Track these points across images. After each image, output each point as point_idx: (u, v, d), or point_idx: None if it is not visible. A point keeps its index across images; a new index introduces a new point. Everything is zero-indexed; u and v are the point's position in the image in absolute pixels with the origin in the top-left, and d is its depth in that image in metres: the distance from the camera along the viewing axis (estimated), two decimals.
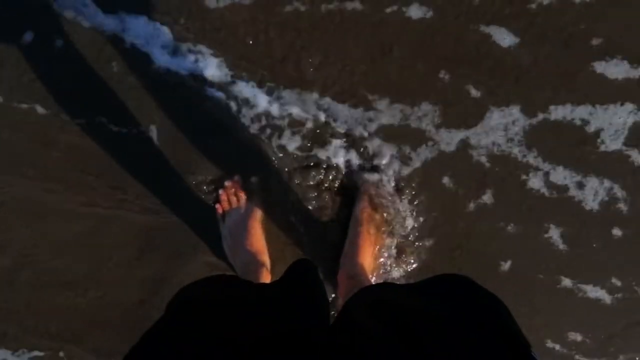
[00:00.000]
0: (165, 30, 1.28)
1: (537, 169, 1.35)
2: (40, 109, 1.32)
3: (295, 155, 1.29)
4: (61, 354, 1.39)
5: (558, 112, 1.32)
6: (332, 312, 1.34)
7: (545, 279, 1.39)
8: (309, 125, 1.30)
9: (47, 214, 1.32)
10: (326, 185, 1.31)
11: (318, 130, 1.31)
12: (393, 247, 1.31)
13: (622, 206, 1.39)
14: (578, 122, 1.33)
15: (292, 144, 1.31)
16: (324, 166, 1.30)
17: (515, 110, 1.31)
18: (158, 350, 0.53)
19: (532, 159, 1.34)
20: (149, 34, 1.27)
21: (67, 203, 1.32)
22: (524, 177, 1.35)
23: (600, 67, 1.31)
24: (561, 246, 1.39)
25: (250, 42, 1.29)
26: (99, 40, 1.30)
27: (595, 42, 1.31)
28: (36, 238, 1.34)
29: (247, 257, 1.20)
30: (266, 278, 1.18)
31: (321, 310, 0.77)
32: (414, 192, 1.33)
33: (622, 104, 1.33)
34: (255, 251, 1.21)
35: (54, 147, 1.32)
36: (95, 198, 1.32)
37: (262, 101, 1.28)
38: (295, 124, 1.31)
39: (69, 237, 1.33)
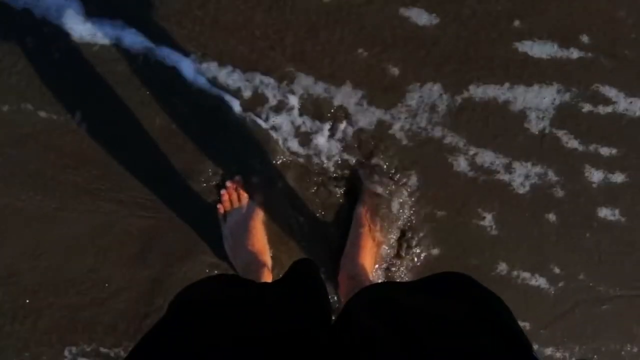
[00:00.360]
0: (76, 1, 1.25)
1: (462, 151, 1.31)
2: None
3: (297, 156, 1.28)
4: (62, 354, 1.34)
5: (480, 92, 1.30)
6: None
7: (480, 265, 1.33)
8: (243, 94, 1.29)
9: (47, 216, 1.29)
10: (328, 186, 1.30)
11: (250, 99, 1.29)
12: (394, 247, 1.30)
13: (556, 190, 1.35)
14: (502, 103, 1.31)
15: (228, 111, 1.28)
16: (326, 167, 1.29)
17: (435, 90, 1.28)
18: (159, 351, 0.53)
19: (456, 140, 1.31)
20: (60, 6, 1.24)
21: (67, 204, 1.29)
22: (450, 159, 1.31)
23: (524, 47, 1.29)
24: (494, 232, 1.33)
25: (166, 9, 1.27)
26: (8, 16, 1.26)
27: (518, 22, 1.30)
28: (37, 240, 1.30)
29: (248, 257, 1.19)
30: (267, 278, 1.17)
31: (322, 310, 0.77)
32: (414, 192, 1.31)
33: (548, 85, 1.30)
34: (257, 251, 1.20)
35: (50, 149, 1.29)
36: (96, 199, 1.29)
37: (188, 69, 1.27)
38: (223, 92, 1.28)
39: (70, 238, 1.29)
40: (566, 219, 1.36)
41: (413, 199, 1.30)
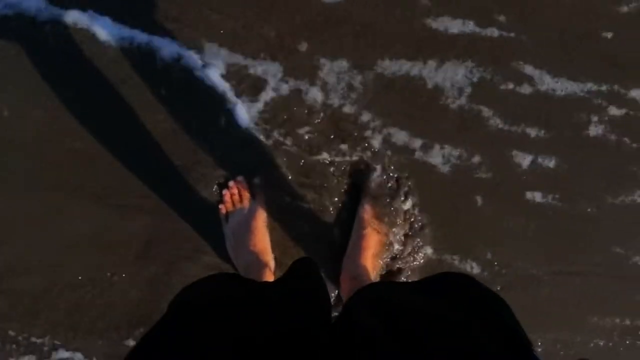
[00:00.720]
0: None
1: (377, 129, 1.30)
2: None
3: (299, 154, 1.28)
4: (63, 354, 1.34)
5: (391, 68, 1.29)
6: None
7: (406, 247, 1.30)
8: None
9: (49, 216, 1.30)
10: (330, 186, 1.31)
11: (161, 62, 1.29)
12: (395, 248, 1.30)
13: (481, 172, 1.32)
14: (415, 80, 1.30)
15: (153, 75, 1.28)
16: (328, 167, 1.30)
17: (346, 66, 1.28)
18: (158, 351, 0.53)
19: (369, 117, 1.30)
20: None
21: (68, 205, 1.30)
22: (367, 135, 1.30)
23: (436, 24, 1.29)
24: (417, 215, 1.30)
25: None
26: None
27: (426, 1, 1.30)
28: (38, 240, 1.31)
29: (249, 257, 1.19)
30: (269, 278, 1.17)
31: (322, 309, 0.77)
32: (415, 191, 1.31)
33: (463, 61, 1.29)
34: (258, 251, 1.20)
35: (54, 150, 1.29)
36: (96, 199, 1.30)
37: (105, 30, 1.26)
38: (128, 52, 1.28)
39: (71, 238, 1.30)
40: (495, 201, 1.32)
41: (414, 200, 1.30)
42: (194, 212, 1.30)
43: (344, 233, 1.30)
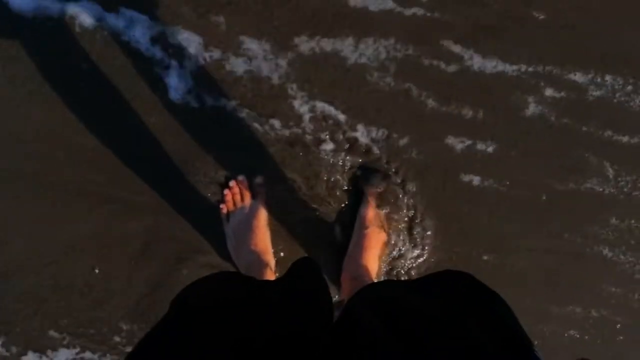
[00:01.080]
0: None
1: (304, 105, 1.24)
2: None
3: (299, 152, 1.27)
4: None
5: (310, 45, 1.25)
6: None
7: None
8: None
9: (49, 216, 1.28)
10: (332, 186, 1.29)
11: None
12: (397, 248, 1.28)
13: (414, 154, 1.24)
14: (336, 56, 1.25)
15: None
16: (330, 166, 1.29)
17: (265, 43, 1.24)
18: (158, 352, 0.53)
19: (294, 93, 1.24)
20: None
21: (68, 204, 1.28)
22: (298, 112, 1.23)
23: (354, 1, 1.26)
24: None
25: None
26: None
27: None
28: (37, 240, 1.29)
29: (250, 257, 1.19)
30: (270, 278, 1.16)
31: (323, 310, 0.77)
32: (415, 193, 1.29)
33: (385, 39, 1.25)
34: (259, 251, 1.20)
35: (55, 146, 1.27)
36: (97, 199, 1.28)
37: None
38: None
39: (72, 238, 1.29)
40: (431, 186, 1.23)
41: (415, 200, 1.27)
42: (194, 211, 1.28)
43: (345, 233, 1.28)
